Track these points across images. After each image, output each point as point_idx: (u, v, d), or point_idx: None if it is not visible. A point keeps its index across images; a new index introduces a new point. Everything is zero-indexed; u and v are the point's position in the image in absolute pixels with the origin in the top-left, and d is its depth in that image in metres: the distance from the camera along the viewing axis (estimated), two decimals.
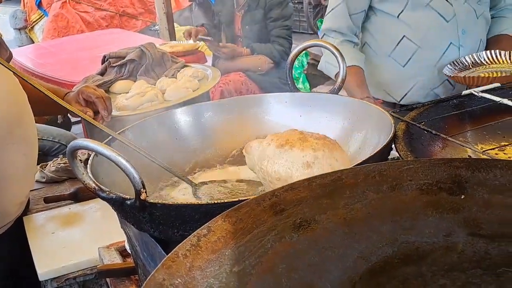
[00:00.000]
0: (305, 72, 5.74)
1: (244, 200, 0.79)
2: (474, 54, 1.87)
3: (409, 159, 1.07)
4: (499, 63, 1.82)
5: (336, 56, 1.33)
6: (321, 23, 6.16)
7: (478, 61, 1.84)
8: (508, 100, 1.29)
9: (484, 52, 1.86)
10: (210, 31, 4.10)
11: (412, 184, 0.95)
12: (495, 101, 1.31)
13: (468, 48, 1.91)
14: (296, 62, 5.87)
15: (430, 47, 1.92)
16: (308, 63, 6.00)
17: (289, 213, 0.84)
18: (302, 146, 1.08)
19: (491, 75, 1.73)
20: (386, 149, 1.09)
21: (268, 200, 0.84)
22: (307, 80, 5.69)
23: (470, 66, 1.85)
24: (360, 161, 1.01)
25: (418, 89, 1.96)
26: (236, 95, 3.89)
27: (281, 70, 3.97)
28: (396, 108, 1.36)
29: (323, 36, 1.98)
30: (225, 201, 0.88)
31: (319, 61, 6.18)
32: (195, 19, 6.48)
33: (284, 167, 1.06)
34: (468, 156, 1.22)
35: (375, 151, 1.02)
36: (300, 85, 5.53)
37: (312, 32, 6.99)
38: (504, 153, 1.21)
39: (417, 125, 1.18)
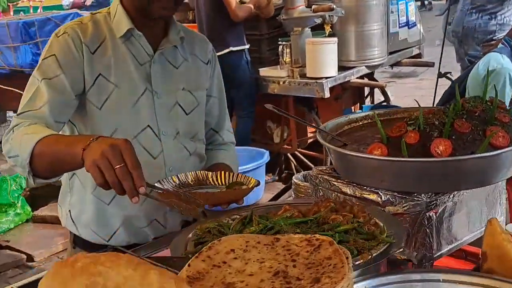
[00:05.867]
0: (24, 195, 5.12)
1: None
2: (182, 174, 1.78)
3: None
4: (207, 184, 1.78)
5: None
6: None
7: (186, 182, 1.78)
8: None
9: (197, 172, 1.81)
10: None
11: None
12: None
13: None
14: (14, 185, 5.20)
15: None
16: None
17: None
18: None
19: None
20: None
21: None
22: (27, 203, 5.06)
23: (179, 187, 1.77)
24: None
25: (126, 228, 1.83)
26: None
27: None
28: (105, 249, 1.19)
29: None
30: None
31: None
32: None
33: None
34: None
35: None
36: (19, 210, 4.91)
37: None
38: None
39: None
